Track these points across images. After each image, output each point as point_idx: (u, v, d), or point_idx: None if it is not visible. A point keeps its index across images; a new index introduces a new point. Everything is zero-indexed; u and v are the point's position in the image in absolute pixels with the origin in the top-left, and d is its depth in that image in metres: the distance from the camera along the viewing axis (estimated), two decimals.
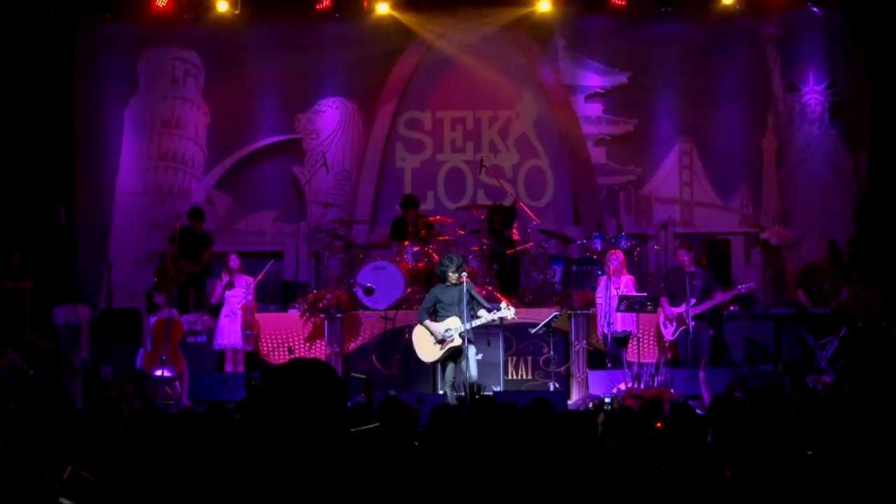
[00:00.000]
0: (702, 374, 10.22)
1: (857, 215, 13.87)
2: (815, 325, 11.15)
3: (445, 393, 10.21)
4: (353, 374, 11.31)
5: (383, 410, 5.06)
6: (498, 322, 10.37)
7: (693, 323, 10.73)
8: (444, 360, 10.29)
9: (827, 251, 11.43)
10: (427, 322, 10.25)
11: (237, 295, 11.49)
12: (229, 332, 11.49)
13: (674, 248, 12.04)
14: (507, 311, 10.06)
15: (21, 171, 13.13)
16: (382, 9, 14.02)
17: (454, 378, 10.13)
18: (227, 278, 11.64)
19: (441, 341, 10.15)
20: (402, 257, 11.99)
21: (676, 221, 14.16)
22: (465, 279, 10.07)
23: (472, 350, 10.08)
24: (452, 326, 10.08)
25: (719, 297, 10.96)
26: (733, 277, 13.50)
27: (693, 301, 10.80)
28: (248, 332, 11.42)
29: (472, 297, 10.12)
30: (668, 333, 11.12)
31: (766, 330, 11.79)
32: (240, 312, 11.50)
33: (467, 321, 10.02)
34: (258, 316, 11.92)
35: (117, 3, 14.13)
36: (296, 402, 2.71)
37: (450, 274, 10.17)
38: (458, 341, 10.06)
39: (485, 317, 10.07)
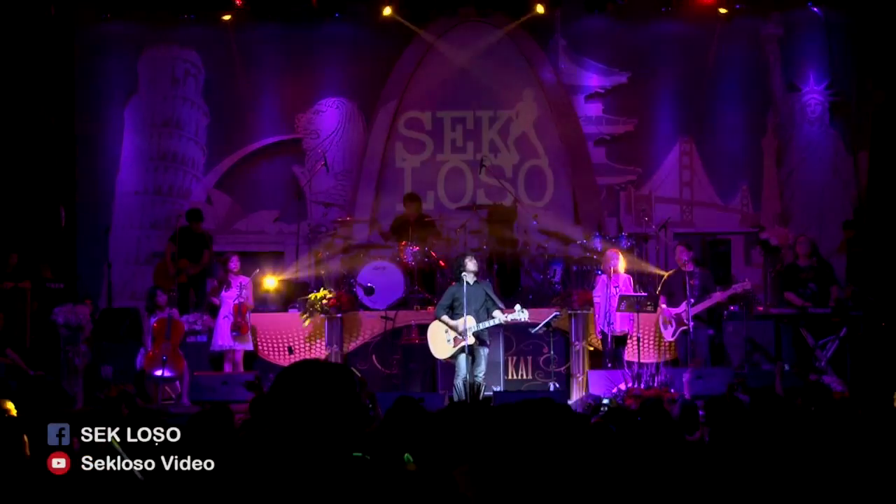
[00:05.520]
0: (686, 375, 10.22)
1: (857, 215, 13.87)
2: (815, 325, 11.14)
3: (454, 386, 10.21)
4: (353, 368, 11.25)
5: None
6: (510, 323, 10.42)
7: (692, 324, 10.73)
8: (455, 357, 10.32)
9: (808, 248, 11.46)
10: (444, 318, 10.30)
11: (233, 296, 11.46)
12: (224, 334, 11.47)
13: (673, 248, 12.04)
14: (522, 314, 10.14)
15: (21, 171, 13.12)
16: (383, 9, 14.02)
17: (466, 374, 10.15)
18: (217, 284, 11.64)
19: (455, 339, 10.20)
20: (402, 257, 11.99)
21: (676, 221, 14.17)
22: (467, 277, 10.09)
23: (484, 350, 10.18)
24: (467, 325, 10.13)
25: (716, 297, 10.96)
26: (733, 277, 13.50)
27: (692, 301, 10.79)
28: (234, 332, 11.37)
29: (488, 297, 10.18)
30: (668, 334, 11.11)
31: (766, 330, 11.79)
32: (232, 314, 11.47)
33: (479, 321, 10.07)
34: (257, 316, 11.91)
35: (117, 2, 14.12)
36: (306, 402, 2.70)
37: (467, 268, 10.19)
38: (470, 340, 10.11)
39: (499, 318, 10.12)
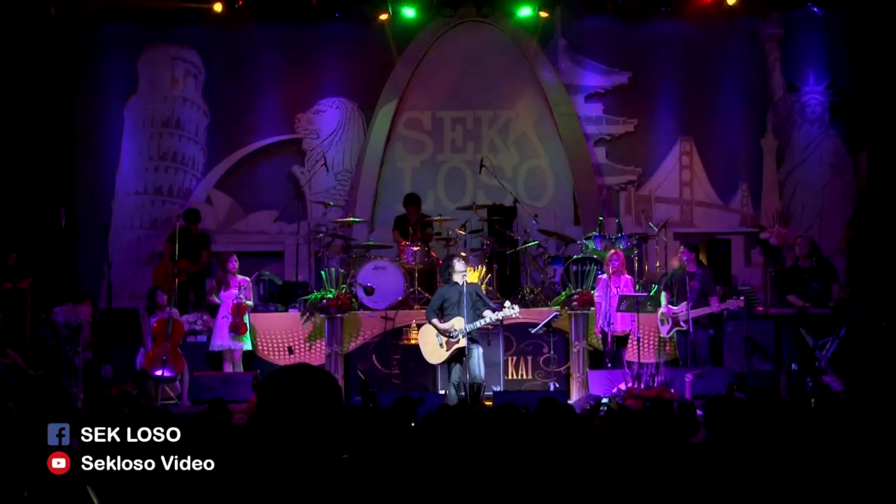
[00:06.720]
0: (688, 377, 10.22)
1: (857, 215, 13.87)
2: (814, 325, 11.14)
3: (447, 392, 10.20)
4: (358, 371, 11.24)
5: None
6: (501, 321, 10.37)
7: (691, 326, 10.73)
8: (449, 361, 10.28)
9: (808, 248, 11.48)
10: (435, 321, 10.24)
11: (231, 296, 11.46)
12: (223, 334, 11.47)
13: (675, 248, 12.04)
14: (511, 311, 10.04)
15: (21, 171, 13.12)
16: (383, 8, 14.03)
17: (459, 378, 10.12)
18: (215, 283, 11.65)
19: (447, 342, 10.14)
20: (402, 257, 11.99)
21: (676, 221, 14.17)
22: (464, 278, 10.07)
23: (478, 350, 10.10)
24: (458, 327, 10.08)
25: (713, 307, 10.98)
26: (733, 277, 13.51)
27: (691, 304, 10.79)
28: (232, 333, 11.37)
29: (478, 297, 10.14)
30: (664, 331, 11.11)
31: (766, 330, 11.79)
32: (231, 314, 11.46)
33: (469, 321, 10.00)
34: (257, 316, 11.91)
35: (117, 2, 14.11)
36: (292, 409, 2.72)
37: (455, 269, 10.16)
38: (463, 342, 10.06)
39: (489, 317, 10.06)
